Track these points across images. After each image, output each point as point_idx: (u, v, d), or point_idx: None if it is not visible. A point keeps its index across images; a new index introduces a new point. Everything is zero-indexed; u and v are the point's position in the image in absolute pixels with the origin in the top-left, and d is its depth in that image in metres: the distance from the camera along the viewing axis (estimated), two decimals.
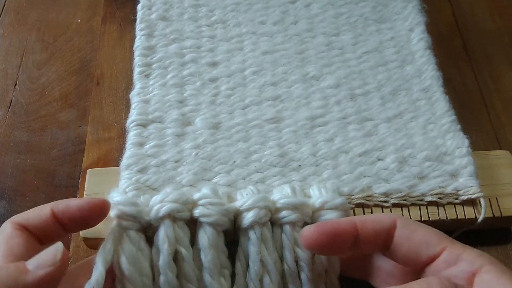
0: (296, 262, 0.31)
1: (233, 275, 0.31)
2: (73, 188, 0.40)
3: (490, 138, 0.42)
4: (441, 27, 0.50)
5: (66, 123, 0.44)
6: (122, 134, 0.42)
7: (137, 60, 0.41)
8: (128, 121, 0.37)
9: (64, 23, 0.51)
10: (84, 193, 0.34)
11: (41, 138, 0.43)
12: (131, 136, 0.36)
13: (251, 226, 0.30)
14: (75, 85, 0.46)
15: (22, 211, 0.38)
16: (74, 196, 0.39)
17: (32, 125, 0.44)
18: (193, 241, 0.31)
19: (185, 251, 0.29)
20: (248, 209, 0.31)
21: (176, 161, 0.35)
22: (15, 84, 0.47)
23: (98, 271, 0.27)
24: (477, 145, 0.40)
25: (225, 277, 0.30)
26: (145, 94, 0.39)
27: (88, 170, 0.35)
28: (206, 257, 0.29)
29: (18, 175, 0.41)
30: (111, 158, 0.41)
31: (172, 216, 0.30)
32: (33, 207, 0.39)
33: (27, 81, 0.47)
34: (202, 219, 0.30)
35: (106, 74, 0.46)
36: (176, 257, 0.30)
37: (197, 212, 0.30)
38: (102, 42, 0.48)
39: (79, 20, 0.51)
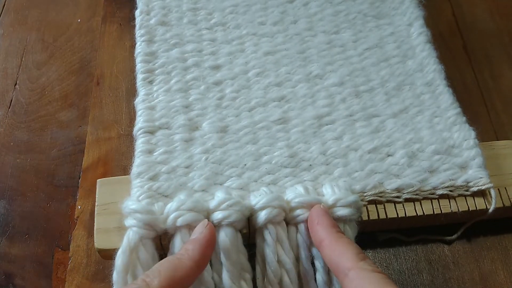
0: (312, 263, 0.31)
1: (254, 282, 0.31)
2: (73, 188, 0.40)
3: (491, 138, 0.42)
4: (441, 27, 0.50)
5: (66, 123, 0.44)
6: (122, 134, 0.42)
7: (139, 66, 0.40)
8: (135, 128, 0.37)
9: (64, 23, 0.51)
10: (96, 203, 0.34)
11: (41, 138, 0.43)
12: (140, 144, 0.36)
13: (265, 226, 0.31)
14: (75, 85, 0.46)
15: (22, 211, 0.39)
16: (74, 196, 0.39)
17: (32, 125, 0.44)
18: None
19: None
20: (262, 208, 0.31)
21: (187, 167, 0.35)
22: (15, 84, 0.46)
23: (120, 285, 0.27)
24: None
25: (246, 281, 0.30)
26: (150, 101, 0.38)
27: (98, 180, 0.35)
28: (227, 259, 0.29)
29: (18, 175, 0.41)
30: (111, 158, 0.40)
31: (189, 225, 0.30)
32: (33, 207, 0.39)
33: (27, 81, 0.46)
34: (223, 222, 0.30)
35: (106, 74, 0.46)
36: None
37: (218, 218, 0.30)
38: (102, 42, 0.48)
39: (79, 20, 0.51)
